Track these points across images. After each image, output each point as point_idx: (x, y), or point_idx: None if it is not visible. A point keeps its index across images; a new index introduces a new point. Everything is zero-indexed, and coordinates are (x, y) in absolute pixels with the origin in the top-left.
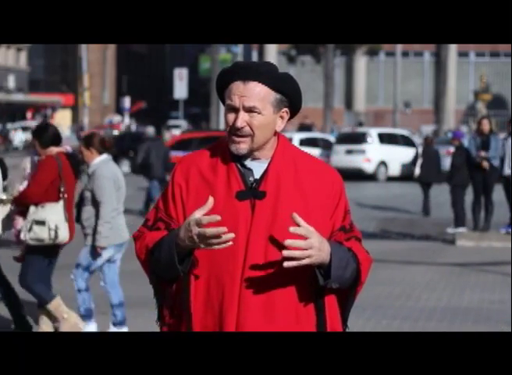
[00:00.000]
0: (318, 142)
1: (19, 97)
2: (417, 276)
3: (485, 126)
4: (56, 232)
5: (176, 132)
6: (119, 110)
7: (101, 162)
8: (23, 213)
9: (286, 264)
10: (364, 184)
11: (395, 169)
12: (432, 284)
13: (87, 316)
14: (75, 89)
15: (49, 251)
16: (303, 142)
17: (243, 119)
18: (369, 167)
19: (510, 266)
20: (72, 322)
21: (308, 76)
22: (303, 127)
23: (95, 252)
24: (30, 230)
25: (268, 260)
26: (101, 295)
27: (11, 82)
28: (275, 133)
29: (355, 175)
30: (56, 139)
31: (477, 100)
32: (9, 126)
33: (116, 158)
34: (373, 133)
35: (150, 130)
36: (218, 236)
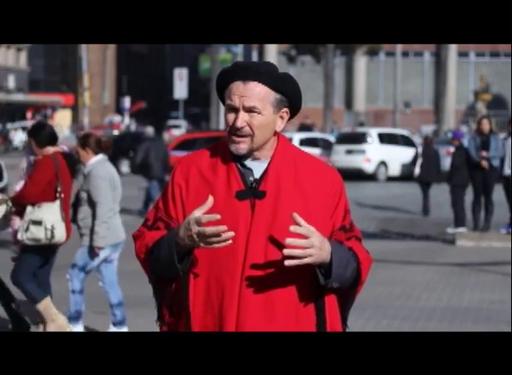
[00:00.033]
0: (318, 142)
1: (19, 97)
2: (417, 276)
3: (485, 125)
4: (53, 232)
5: (176, 132)
6: (119, 110)
7: (96, 162)
8: (20, 213)
9: (286, 263)
10: (364, 184)
11: (395, 169)
12: (432, 284)
13: (75, 318)
14: (75, 89)
15: (45, 251)
16: (303, 142)
17: (243, 119)
18: (369, 167)
19: (510, 266)
20: (59, 324)
21: (308, 76)
22: (303, 127)
23: (93, 252)
24: (26, 230)
25: (268, 260)
26: (99, 295)
27: (11, 82)
28: (275, 134)
29: (355, 175)
30: (52, 138)
31: (477, 100)
32: (9, 126)
33: (116, 158)
34: (373, 133)
35: (149, 131)
36: (217, 234)
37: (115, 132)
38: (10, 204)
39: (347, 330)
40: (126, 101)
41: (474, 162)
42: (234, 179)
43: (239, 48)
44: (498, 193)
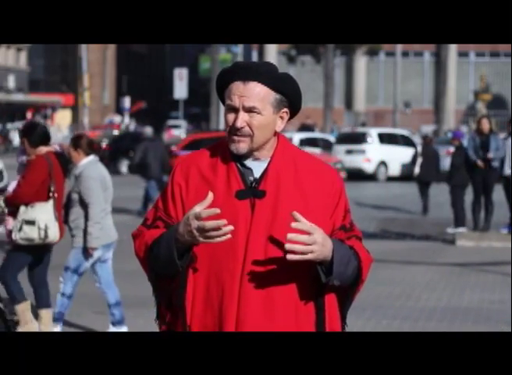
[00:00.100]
0: (318, 142)
1: (19, 97)
2: (417, 276)
3: (485, 125)
4: (46, 231)
5: (176, 132)
6: (119, 110)
7: (87, 163)
8: (13, 213)
9: (289, 257)
10: (364, 184)
11: (395, 169)
12: (432, 284)
13: (57, 319)
14: (75, 89)
15: (37, 251)
16: (303, 142)
17: (242, 119)
18: (369, 167)
19: (510, 266)
20: (31, 329)
21: (308, 76)
22: (304, 127)
23: (87, 253)
24: (20, 229)
25: (268, 259)
26: (99, 295)
27: (11, 82)
28: (275, 134)
29: (355, 175)
30: (45, 138)
31: (477, 100)
32: (9, 126)
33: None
34: (373, 133)
35: (148, 131)
36: (217, 228)
37: (115, 132)
38: (3, 204)
39: (346, 328)
40: (126, 101)
41: (471, 162)
42: (234, 178)
43: (239, 48)
44: (498, 193)
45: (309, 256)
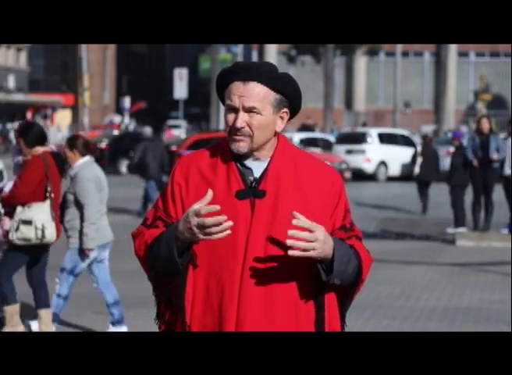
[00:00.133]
0: (318, 142)
1: (19, 97)
2: (417, 276)
3: (485, 125)
4: (43, 231)
5: (176, 132)
6: (119, 110)
7: (83, 164)
8: (10, 214)
9: (290, 252)
10: (364, 184)
11: (395, 169)
12: (432, 284)
13: (52, 320)
14: (75, 89)
15: (34, 251)
16: (303, 142)
17: (242, 119)
18: (369, 167)
19: (510, 266)
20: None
21: (308, 76)
22: (304, 128)
23: (83, 254)
24: (17, 229)
25: (268, 259)
26: (98, 295)
27: (11, 82)
28: (275, 134)
29: (355, 175)
30: (41, 138)
31: (477, 100)
32: (9, 126)
33: (115, 158)
34: (373, 133)
35: (147, 131)
36: (217, 224)
37: (115, 132)
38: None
39: (346, 328)
40: (126, 101)
41: (468, 162)
42: (234, 178)
43: (239, 48)
44: (498, 193)
45: (311, 253)
